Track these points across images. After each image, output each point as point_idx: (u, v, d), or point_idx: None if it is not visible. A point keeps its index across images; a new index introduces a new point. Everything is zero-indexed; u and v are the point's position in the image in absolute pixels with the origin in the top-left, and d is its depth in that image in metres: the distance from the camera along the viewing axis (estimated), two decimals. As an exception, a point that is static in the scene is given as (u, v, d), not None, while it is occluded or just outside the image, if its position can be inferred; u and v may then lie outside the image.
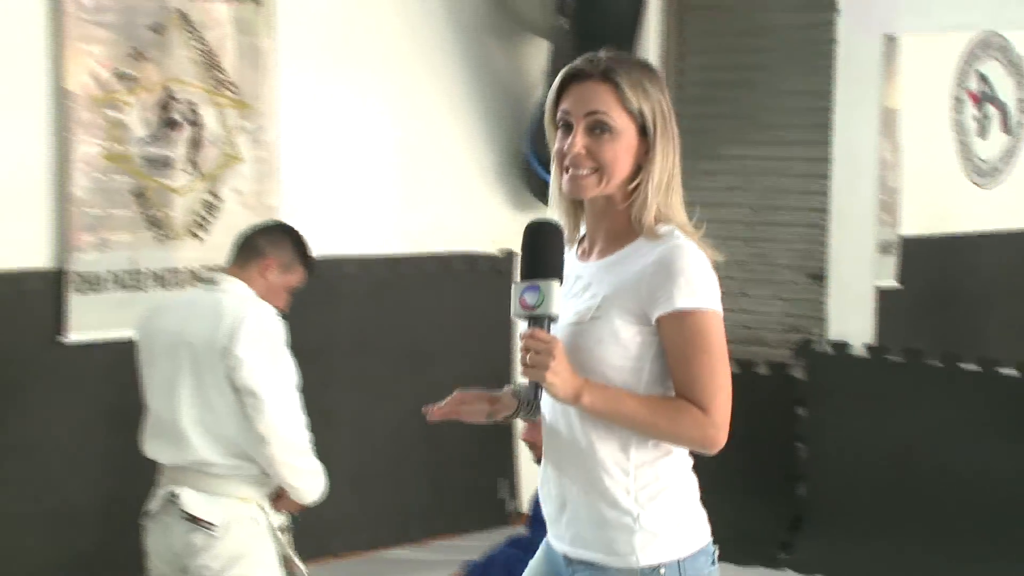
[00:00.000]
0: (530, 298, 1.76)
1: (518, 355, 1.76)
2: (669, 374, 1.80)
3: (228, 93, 3.83)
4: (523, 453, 4.53)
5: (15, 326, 3.48)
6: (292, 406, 2.91)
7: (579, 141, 1.77)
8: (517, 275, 1.81)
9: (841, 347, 4.36)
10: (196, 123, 3.74)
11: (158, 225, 3.71)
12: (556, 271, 1.76)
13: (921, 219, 4.87)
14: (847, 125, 4.43)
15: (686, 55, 4.98)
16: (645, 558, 1.78)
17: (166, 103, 3.67)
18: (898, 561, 4.13)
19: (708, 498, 1.92)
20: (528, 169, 4.63)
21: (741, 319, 4.74)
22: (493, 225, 4.72)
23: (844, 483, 4.36)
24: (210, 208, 3.80)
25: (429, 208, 4.50)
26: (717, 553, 1.86)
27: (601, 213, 1.84)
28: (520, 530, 3.68)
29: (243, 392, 2.82)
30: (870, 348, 4.31)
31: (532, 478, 4.56)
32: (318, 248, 3.38)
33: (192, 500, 2.91)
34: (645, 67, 1.89)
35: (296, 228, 3.12)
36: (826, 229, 4.49)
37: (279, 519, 3.00)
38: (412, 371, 4.42)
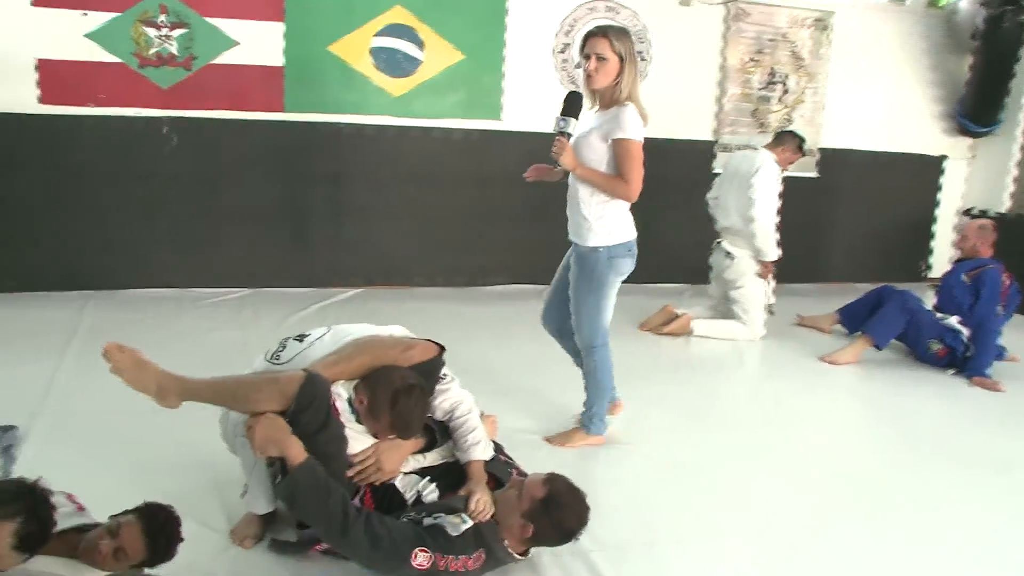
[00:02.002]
0: (562, 123, 3.09)
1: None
2: (616, 165, 3.12)
3: (803, 70, 6.66)
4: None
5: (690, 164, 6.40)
6: (766, 207, 4.93)
7: (592, 64, 3.10)
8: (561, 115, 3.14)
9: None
10: (784, 83, 6.67)
11: (761, 127, 6.65)
12: (576, 114, 3.09)
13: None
14: None
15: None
16: (593, 242, 3.24)
17: (771, 73, 6.62)
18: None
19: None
20: (956, 119, 7.19)
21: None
22: (936, 144, 7.36)
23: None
24: (787, 122, 6.68)
25: (910, 133, 7.18)
26: (634, 249, 3.26)
27: (601, 94, 3.16)
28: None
29: (750, 197, 4.90)
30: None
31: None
32: (827, 143, 6.41)
33: (727, 243, 5.13)
34: (622, 30, 3.16)
35: (801, 132, 5.31)
36: None
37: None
38: (871, 213, 7.24)
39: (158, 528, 2.17)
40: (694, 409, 4.13)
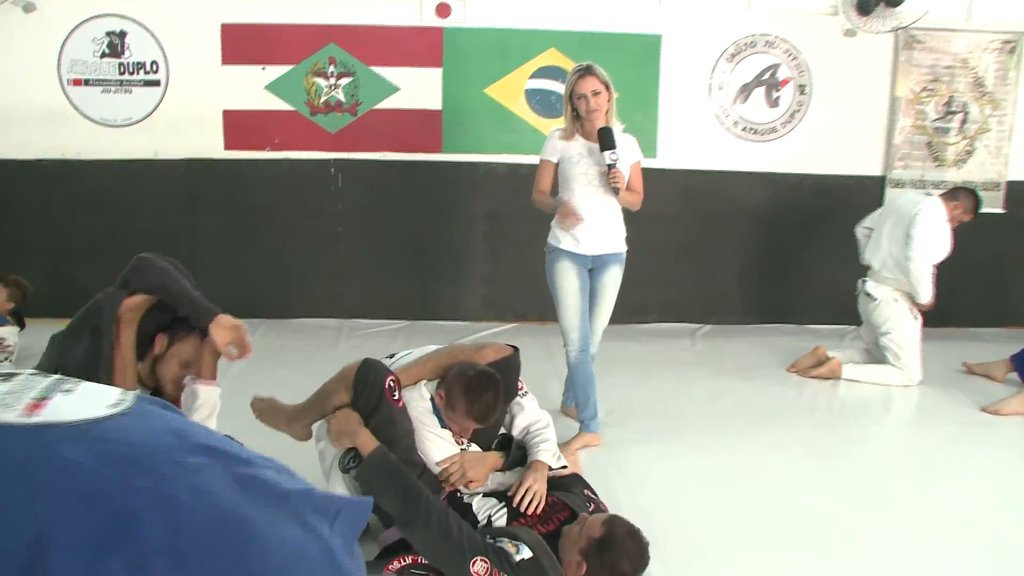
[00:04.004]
0: (613, 156, 3.61)
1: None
2: (632, 182, 3.79)
3: (986, 97, 6.22)
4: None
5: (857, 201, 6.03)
6: (925, 249, 4.66)
7: (593, 100, 3.61)
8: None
9: None
10: (965, 112, 6.24)
11: (937, 160, 6.29)
12: (616, 145, 3.61)
13: None
14: None
15: None
16: (625, 246, 3.89)
17: (948, 102, 6.22)
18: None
19: None
20: None
21: None
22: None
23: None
24: (968, 154, 6.28)
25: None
26: None
27: (594, 124, 3.65)
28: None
29: (908, 236, 4.67)
30: None
31: None
32: (1016, 175, 6.01)
33: (870, 284, 4.86)
34: (599, 69, 3.65)
35: (977, 192, 4.98)
36: None
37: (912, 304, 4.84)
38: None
39: None
40: (820, 453, 3.94)
